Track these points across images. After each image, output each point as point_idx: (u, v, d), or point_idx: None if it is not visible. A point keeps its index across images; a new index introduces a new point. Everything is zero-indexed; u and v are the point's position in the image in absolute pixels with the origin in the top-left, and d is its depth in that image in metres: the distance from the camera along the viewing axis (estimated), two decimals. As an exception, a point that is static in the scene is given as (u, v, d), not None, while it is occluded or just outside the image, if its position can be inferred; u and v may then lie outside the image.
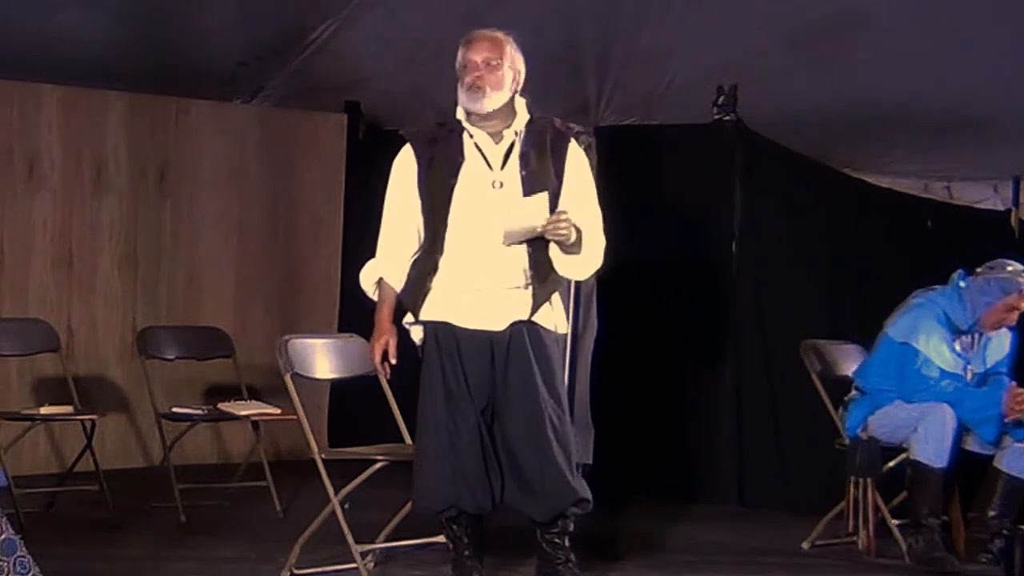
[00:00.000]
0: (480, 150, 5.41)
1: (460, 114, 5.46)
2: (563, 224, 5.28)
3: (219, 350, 7.97)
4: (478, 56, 5.40)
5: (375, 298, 5.54)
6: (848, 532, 6.62)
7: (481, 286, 5.36)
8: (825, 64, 7.81)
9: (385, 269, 5.50)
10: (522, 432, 5.36)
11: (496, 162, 5.40)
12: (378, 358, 5.44)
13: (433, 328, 5.41)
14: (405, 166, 5.52)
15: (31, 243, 8.46)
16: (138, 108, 8.82)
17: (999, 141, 7.83)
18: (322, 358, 6.19)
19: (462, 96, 5.43)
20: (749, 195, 8.18)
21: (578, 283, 8.74)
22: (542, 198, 5.31)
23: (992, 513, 6.50)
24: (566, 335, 6.09)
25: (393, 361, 5.44)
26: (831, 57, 7.77)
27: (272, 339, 6.33)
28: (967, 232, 7.56)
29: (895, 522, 6.64)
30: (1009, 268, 6.51)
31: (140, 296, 8.84)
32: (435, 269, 5.40)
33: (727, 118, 8.14)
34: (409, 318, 5.48)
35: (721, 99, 8.14)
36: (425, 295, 5.40)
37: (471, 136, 5.43)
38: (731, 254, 8.20)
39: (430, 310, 5.41)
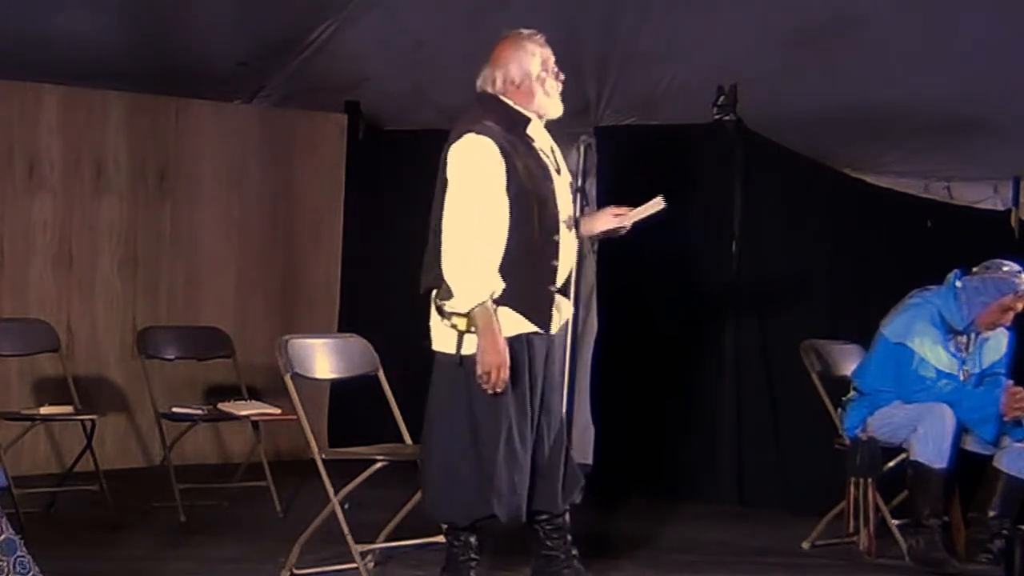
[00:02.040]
0: (545, 154, 5.38)
1: (534, 117, 5.35)
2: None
3: (219, 350, 7.97)
4: (553, 58, 5.42)
5: (462, 312, 5.17)
6: (848, 532, 6.62)
7: (560, 287, 5.37)
8: (825, 64, 7.80)
9: (495, 279, 5.20)
10: (549, 427, 5.38)
11: (554, 165, 5.41)
12: (502, 379, 5.15)
13: (547, 337, 5.28)
14: (492, 162, 5.20)
15: (31, 243, 8.46)
16: (138, 108, 8.82)
17: (999, 141, 7.82)
18: (322, 358, 6.19)
19: (549, 103, 5.36)
20: (749, 195, 8.19)
21: (579, 282, 8.78)
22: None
23: (992, 513, 6.49)
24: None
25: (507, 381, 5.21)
26: (831, 57, 7.76)
27: (272, 339, 6.33)
28: (967, 232, 7.56)
29: (895, 522, 6.64)
30: (1005, 268, 6.51)
31: (140, 296, 8.84)
32: (555, 275, 5.28)
33: (727, 118, 8.15)
34: (519, 328, 5.22)
35: (721, 99, 8.15)
36: (553, 304, 5.30)
37: (532, 139, 5.35)
38: (731, 254, 8.20)
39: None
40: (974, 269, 6.56)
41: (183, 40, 8.59)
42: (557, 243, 5.28)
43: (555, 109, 5.39)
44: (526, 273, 5.23)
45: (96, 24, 8.24)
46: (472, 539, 5.44)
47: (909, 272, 7.09)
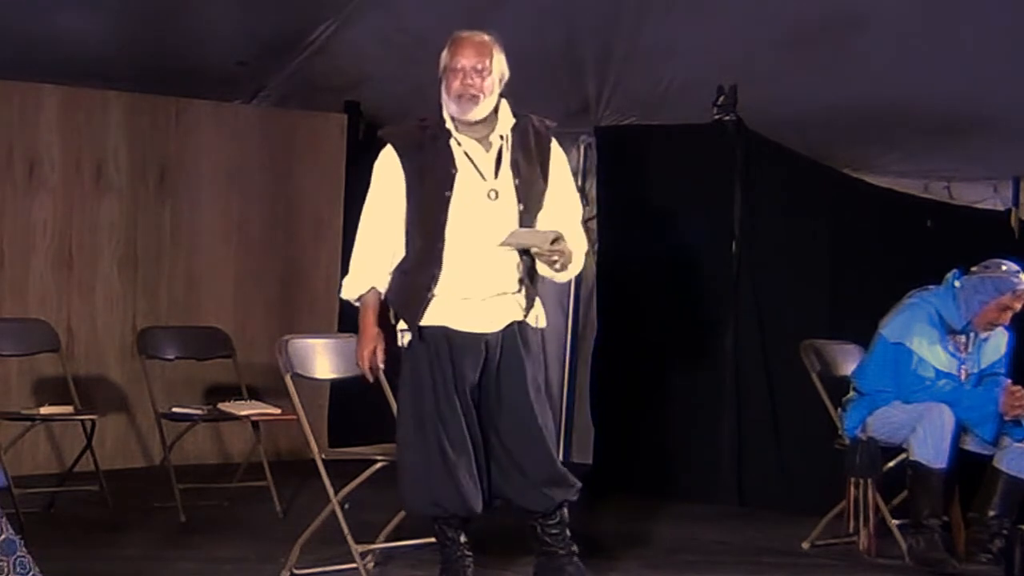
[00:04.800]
0: (471, 159, 5.36)
1: (448, 120, 5.39)
2: (557, 256, 5.35)
3: (219, 350, 7.97)
4: (466, 62, 5.33)
5: (357, 304, 5.49)
6: (848, 532, 6.62)
7: (478, 294, 5.36)
8: (825, 64, 7.81)
9: (375, 277, 5.43)
10: (515, 427, 5.39)
11: (488, 171, 5.36)
12: (367, 364, 5.43)
13: (423, 332, 5.37)
14: (390, 171, 5.42)
15: (31, 243, 8.46)
16: (138, 108, 8.81)
17: (999, 141, 7.83)
18: (322, 358, 6.19)
19: (450, 104, 5.36)
20: (749, 195, 8.18)
21: (579, 282, 8.81)
22: (548, 234, 5.33)
23: (992, 513, 6.49)
24: (556, 328, 6.09)
25: (381, 366, 5.44)
26: (831, 57, 7.77)
27: (272, 339, 6.33)
28: (967, 232, 7.56)
29: (895, 522, 6.64)
30: (1003, 268, 6.50)
31: (140, 296, 8.83)
32: (434, 281, 5.33)
33: (727, 118, 8.14)
34: (402, 324, 5.44)
35: (721, 99, 8.14)
36: (426, 305, 5.35)
37: (459, 144, 5.37)
38: (731, 254, 8.20)
39: (426, 317, 5.37)
40: (972, 269, 6.56)
41: (183, 40, 8.59)
42: (440, 250, 5.31)
43: (460, 111, 5.35)
44: (411, 275, 5.39)
45: (96, 24, 8.24)
46: (460, 536, 5.47)
47: (909, 272, 7.09)
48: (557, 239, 5.32)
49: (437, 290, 5.34)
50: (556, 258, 5.35)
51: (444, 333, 5.36)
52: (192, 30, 8.55)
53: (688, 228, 8.31)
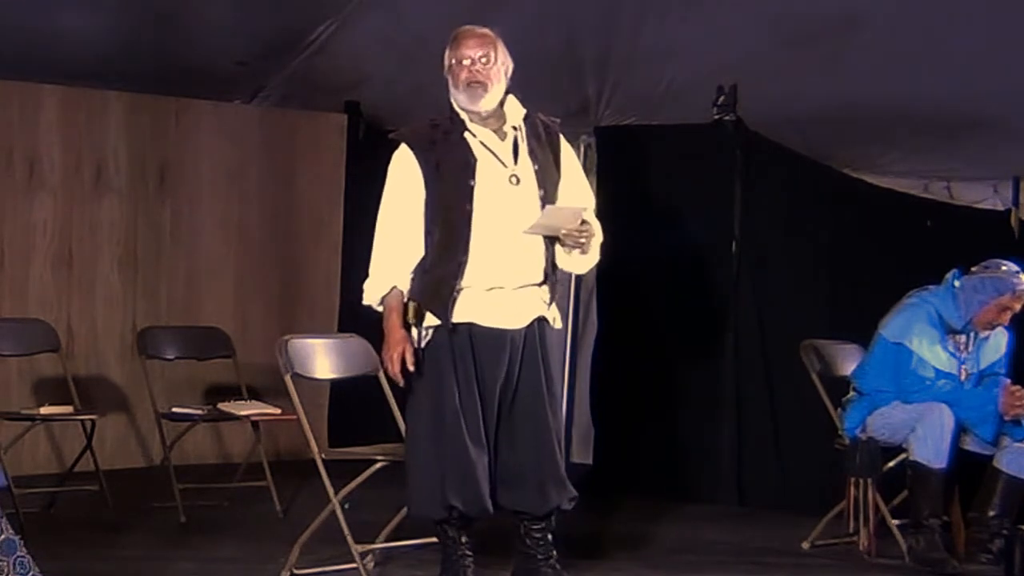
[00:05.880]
0: (488, 148, 5.39)
1: (462, 114, 5.43)
2: (584, 236, 5.37)
3: (219, 350, 7.97)
4: (471, 52, 5.39)
5: (379, 309, 5.44)
6: (848, 532, 6.62)
7: (505, 283, 5.36)
8: (825, 64, 7.81)
9: (396, 277, 5.39)
10: (526, 428, 5.40)
11: (507, 158, 5.40)
12: (397, 367, 5.34)
13: (448, 329, 5.35)
14: (407, 170, 5.42)
15: (31, 243, 8.47)
16: (138, 108, 8.82)
17: (999, 141, 7.83)
18: (322, 358, 6.18)
19: (460, 95, 5.40)
20: (749, 195, 8.18)
21: (578, 282, 8.81)
22: (578, 210, 5.34)
23: (992, 513, 6.49)
24: (561, 330, 6.07)
25: (412, 368, 5.35)
26: (831, 57, 7.77)
27: (272, 339, 6.32)
28: (967, 232, 7.55)
29: (895, 522, 6.64)
30: (1003, 268, 6.50)
31: (140, 296, 8.84)
32: (460, 270, 5.31)
33: (727, 118, 8.15)
34: (431, 321, 5.38)
35: (721, 99, 8.15)
36: (455, 297, 5.32)
37: (474, 135, 5.40)
38: (731, 254, 8.20)
39: (454, 312, 5.34)
40: (972, 269, 6.56)
41: (183, 40, 8.59)
42: (467, 238, 5.31)
43: (470, 100, 5.40)
44: (435, 270, 5.35)
45: (96, 24, 8.24)
46: (462, 536, 5.47)
47: (909, 272, 7.09)
48: (584, 220, 5.35)
49: (464, 281, 5.32)
50: (584, 239, 5.37)
51: (469, 330, 5.35)
52: (192, 30, 8.55)
53: (688, 228, 8.31)
